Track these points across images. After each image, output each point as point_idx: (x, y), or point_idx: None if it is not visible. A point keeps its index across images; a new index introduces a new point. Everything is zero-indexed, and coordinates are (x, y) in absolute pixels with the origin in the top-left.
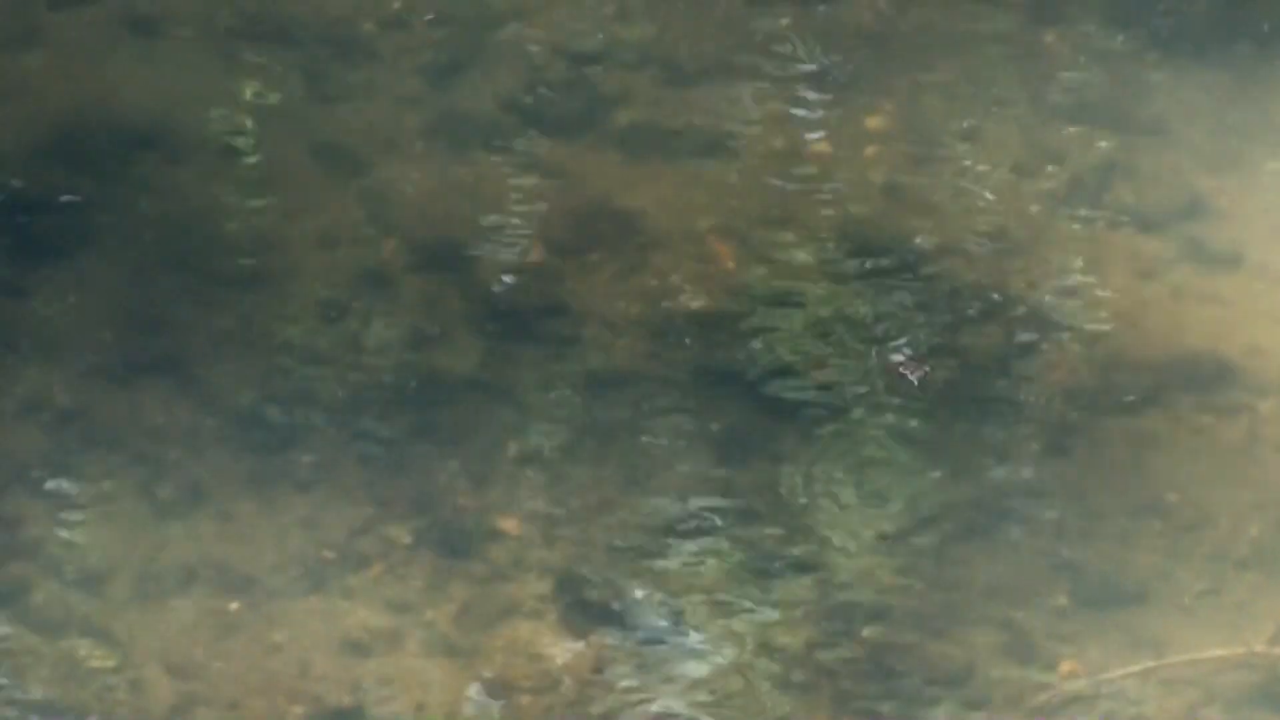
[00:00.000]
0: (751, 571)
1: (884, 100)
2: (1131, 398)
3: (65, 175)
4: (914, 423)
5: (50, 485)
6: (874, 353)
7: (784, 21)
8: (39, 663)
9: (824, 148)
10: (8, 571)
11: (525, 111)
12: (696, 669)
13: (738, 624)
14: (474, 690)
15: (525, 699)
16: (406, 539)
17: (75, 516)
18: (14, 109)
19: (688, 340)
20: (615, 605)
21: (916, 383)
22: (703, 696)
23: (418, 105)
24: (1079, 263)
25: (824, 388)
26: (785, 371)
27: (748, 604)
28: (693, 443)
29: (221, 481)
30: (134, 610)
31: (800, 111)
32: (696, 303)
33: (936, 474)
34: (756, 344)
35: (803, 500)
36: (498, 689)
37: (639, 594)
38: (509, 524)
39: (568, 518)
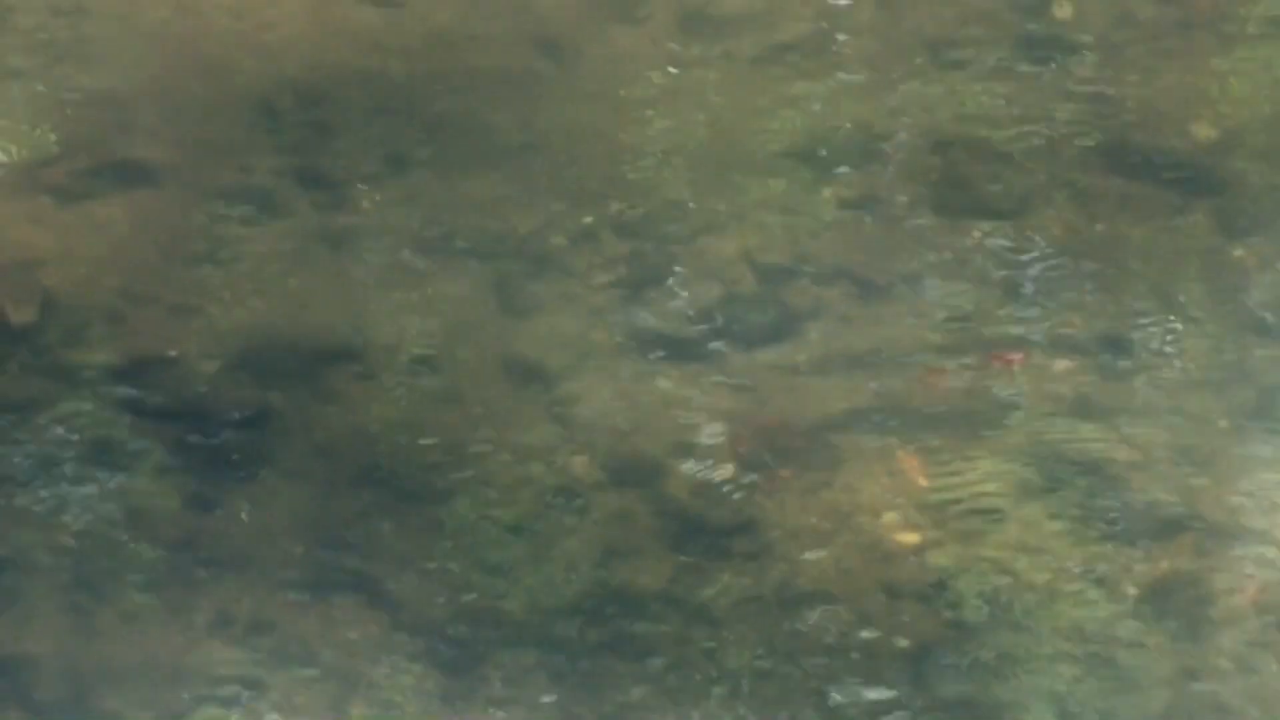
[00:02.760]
0: None
1: (1073, 313)
2: None
3: (255, 389)
4: (1110, 639)
5: (241, 699)
6: (1066, 567)
7: (974, 234)
8: None
9: (1013, 361)
10: None
11: (716, 325)
12: None
13: None
14: None
15: None
16: None
17: None
18: (205, 323)
19: (877, 556)
20: None
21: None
22: None
23: (609, 318)
24: (1269, 477)
25: (1019, 605)
26: (977, 589)
27: None
28: (881, 661)
29: (414, 696)
30: None
31: (990, 324)
32: (886, 519)
33: (1132, 690)
34: (947, 561)
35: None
36: None
37: None
38: None
39: None
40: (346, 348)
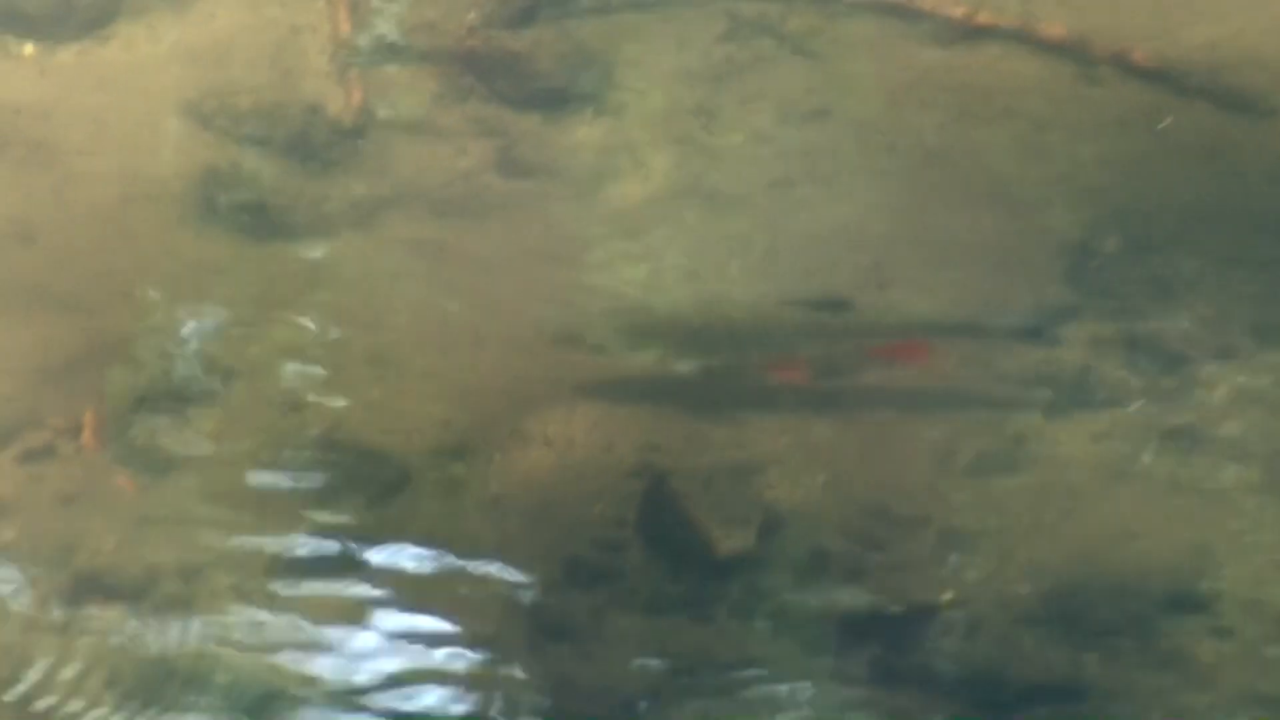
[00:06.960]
0: None
1: None
2: None
3: (1066, 647)
4: None
5: None
6: None
7: None
8: None
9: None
10: None
11: None
12: None
13: None
14: None
15: None
16: None
17: None
18: (985, 556)
19: None
20: None
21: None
22: None
23: None
24: None
25: None
26: None
27: None
28: None
29: None
30: None
31: None
32: None
33: None
34: None
35: None
36: None
37: None
38: None
39: None
40: (1191, 593)
